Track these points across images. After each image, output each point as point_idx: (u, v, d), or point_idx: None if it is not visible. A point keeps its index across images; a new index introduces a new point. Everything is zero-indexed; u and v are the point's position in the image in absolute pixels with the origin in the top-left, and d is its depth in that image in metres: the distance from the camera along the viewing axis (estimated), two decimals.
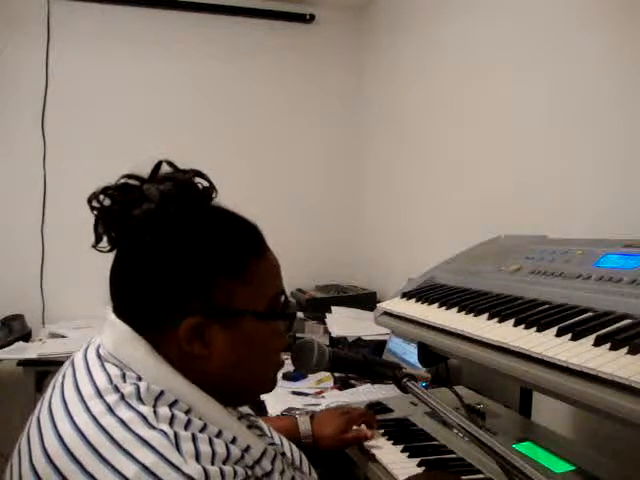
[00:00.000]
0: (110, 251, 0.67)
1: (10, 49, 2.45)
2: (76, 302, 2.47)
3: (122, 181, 0.66)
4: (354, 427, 1.14)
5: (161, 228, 0.64)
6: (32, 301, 2.44)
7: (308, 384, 1.72)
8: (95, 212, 0.65)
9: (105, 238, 0.66)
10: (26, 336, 2.24)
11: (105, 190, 0.65)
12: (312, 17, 2.83)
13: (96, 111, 2.57)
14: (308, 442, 1.08)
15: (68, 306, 2.47)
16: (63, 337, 2.21)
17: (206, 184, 0.70)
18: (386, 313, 1.13)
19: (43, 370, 1.92)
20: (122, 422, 0.55)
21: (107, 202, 0.65)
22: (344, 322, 2.14)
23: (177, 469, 0.52)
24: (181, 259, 0.64)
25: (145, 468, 0.52)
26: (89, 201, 0.65)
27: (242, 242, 0.69)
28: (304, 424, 1.11)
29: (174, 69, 2.68)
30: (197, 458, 0.54)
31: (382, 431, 1.18)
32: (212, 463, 0.55)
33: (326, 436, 1.09)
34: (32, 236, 2.47)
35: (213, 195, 0.71)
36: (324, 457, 1.08)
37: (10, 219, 2.46)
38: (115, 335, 0.65)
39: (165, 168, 0.69)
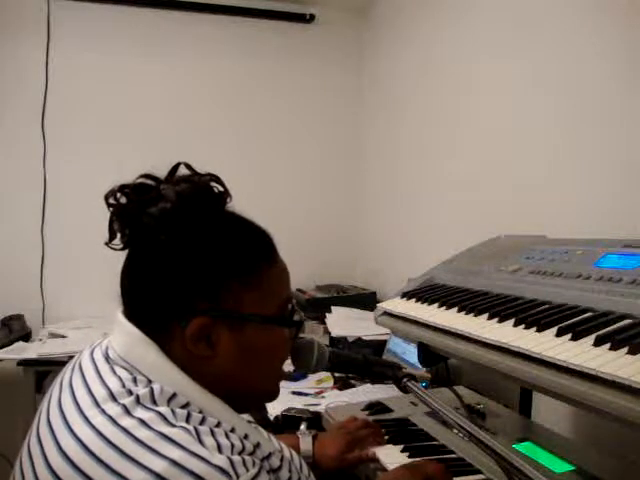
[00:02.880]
0: (122, 249, 0.67)
1: (10, 49, 2.45)
2: (76, 302, 2.47)
3: (139, 180, 0.66)
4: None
5: (176, 228, 0.64)
6: (32, 301, 2.45)
7: (308, 384, 1.72)
8: (111, 209, 0.66)
9: (118, 236, 0.66)
10: (26, 336, 2.24)
11: (122, 188, 0.65)
12: (312, 17, 2.83)
13: (96, 111, 2.57)
14: (308, 462, 1.03)
15: (68, 306, 2.47)
16: (63, 337, 2.20)
17: (221, 189, 0.70)
18: (386, 313, 1.13)
19: (43, 370, 1.92)
20: (142, 422, 0.56)
21: (123, 200, 0.65)
22: (344, 322, 2.14)
23: (205, 461, 0.53)
24: (194, 259, 0.64)
25: (174, 462, 0.52)
26: (106, 198, 0.65)
27: (254, 248, 0.70)
28: (306, 444, 1.09)
29: (174, 69, 2.68)
30: (220, 450, 0.55)
31: (383, 431, 1.18)
32: (232, 454, 0.56)
33: (327, 456, 1.07)
34: (32, 236, 2.47)
35: (227, 200, 0.71)
36: (325, 476, 1.06)
37: (10, 219, 2.46)
38: (125, 337, 0.65)
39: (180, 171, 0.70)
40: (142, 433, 0.55)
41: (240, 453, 0.58)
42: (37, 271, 2.48)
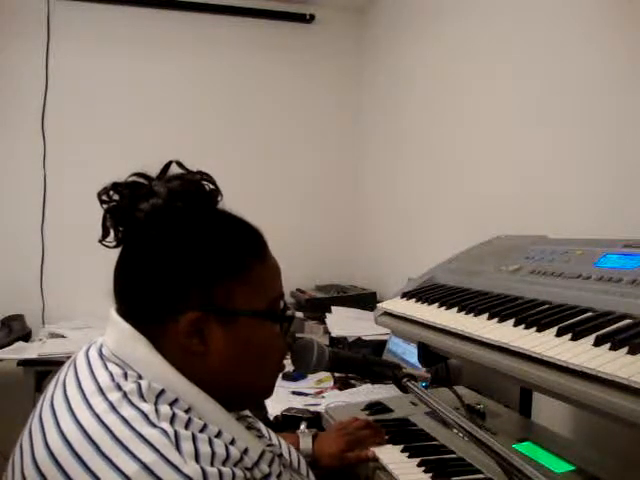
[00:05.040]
0: (116, 247, 0.68)
1: (10, 49, 2.45)
2: (76, 302, 2.47)
3: (132, 178, 0.67)
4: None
5: (167, 223, 0.65)
6: (32, 301, 2.45)
7: (308, 384, 1.72)
8: (104, 206, 0.67)
9: (112, 234, 0.67)
10: (26, 336, 2.24)
11: (115, 186, 0.66)
12: (312, 17, 2.83)
13: (96, 111, 2.57)
14: (308, 461, 1.03)
15: (68, 306, 2.48)
16: (63, 337, 2.21)
17: (212, 187, 0.71)
18: (386, 313, 1.13)
19: (43, 370, 1.92)
20: (124, 420, 0.56)
21: (116, 197, 0.66)
22: (344, 322, 2.13)
23: (176, 469, 0.52)
24: (185, 255, 0.65)
25: (145, 467, 0.52)
26: (99, 195, 0.66)
27: (245, 244, 0.70)
28: (305, 442, 1.09)
29: (174, 69, 2.68)
30: (196, 458, 0.55)
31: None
32: (211, 464, 0.55)
33: (327, 455, 1.07)
34: (32, 236, 2.47)
35: (219, 198, 0.72)
36: (325, 475, 1.06)
37: (10, 219, 2.47)
38: (117, 334, 0.66)
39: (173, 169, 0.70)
40: (121, 431, 0.55)
41: (224, 462, 0.57)
42: (37, 271, 2.48)
